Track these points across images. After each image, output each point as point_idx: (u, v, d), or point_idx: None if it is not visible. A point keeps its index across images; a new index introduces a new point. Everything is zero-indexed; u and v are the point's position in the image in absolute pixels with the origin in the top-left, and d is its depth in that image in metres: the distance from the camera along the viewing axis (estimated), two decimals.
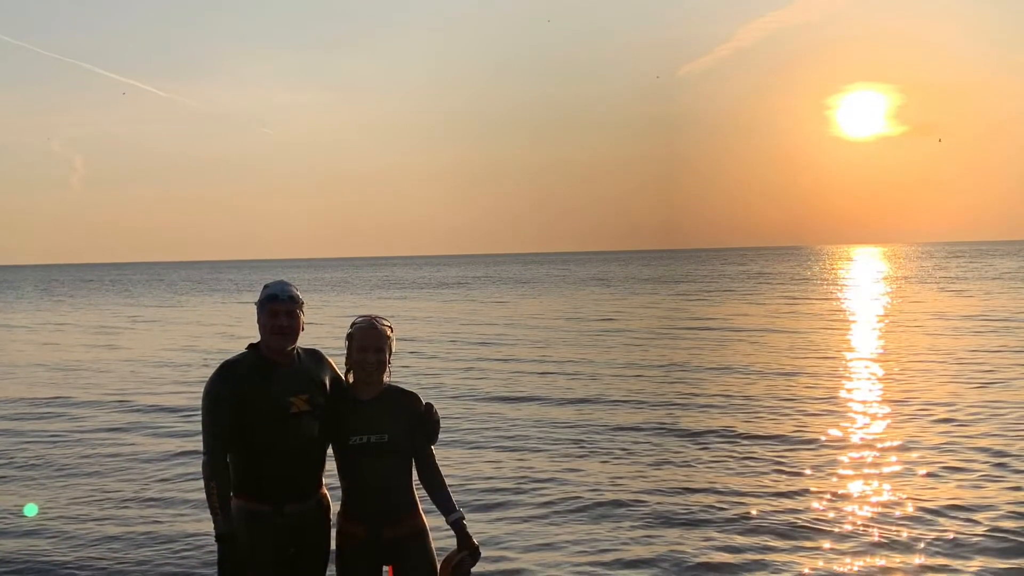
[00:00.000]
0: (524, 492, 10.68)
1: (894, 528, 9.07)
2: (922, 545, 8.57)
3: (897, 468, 11.38)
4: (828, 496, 10.19)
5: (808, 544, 8.70)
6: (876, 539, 8.77)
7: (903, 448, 12.38)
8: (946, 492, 10.29)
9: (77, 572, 8.36)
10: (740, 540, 8.86)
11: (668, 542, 8.85)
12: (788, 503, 10.01)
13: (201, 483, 4.78)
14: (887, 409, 15.30)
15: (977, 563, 8.14)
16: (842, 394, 17.01)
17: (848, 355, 23.04)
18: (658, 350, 24.87)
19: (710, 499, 10.21)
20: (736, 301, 46.18)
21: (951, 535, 8.82)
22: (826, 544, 8.68)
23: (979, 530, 8.95)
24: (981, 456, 11.86)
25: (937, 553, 8.39)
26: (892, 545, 8.61)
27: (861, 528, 9.10)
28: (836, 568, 8.06)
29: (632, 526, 9.39)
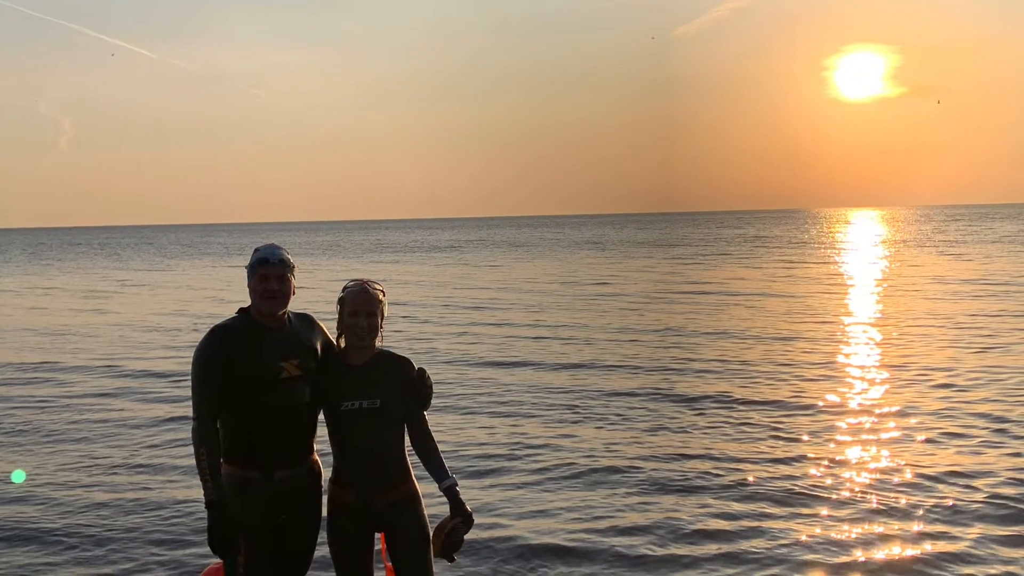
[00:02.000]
0: (518, 458, 10.56)
1: (892, 495, 8.97)
2: (921, 512, 8.47)
3: (895, 434, 11.28)
4: (826, 462, 10.08)
5: (805, 511, 8.60)
6: (874, 506, 8.67)
7: (901, 414, 12.28)
8: (945, 458, 10.19)
9: (65, 539, 8.23)
10: (736, 507, 8.74)
11: (664, 509, 8.74)
12: (785, 469, 9.90)
13: (191, 449, 4.69)
14: (885, 374, 15.20)
15: (976, 530, 8.04)
16: (840, 359, 16.91)
17: (846, 320, 22.96)
18: (653, 314, 24.76)
19: (706, 465, 10.10)
20: (732, 265, 46.11)
21: (950, 502, 8.73)
22: (824, 511, 8.57)
23: (978, 496, 8.85)
24: (980, 422, 11.77)
25: (936, 520, 8.29)
26: (890, 512, 8.51)
27: (859, 495, 9.00)
28: (834, 535, 7.96)
29: (627, 493, 9.28)
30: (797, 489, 9.19)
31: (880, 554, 7.57)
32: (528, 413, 12.95)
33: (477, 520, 5.10)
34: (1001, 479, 9.36)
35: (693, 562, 7.52)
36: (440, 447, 4.88)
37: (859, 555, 7.54)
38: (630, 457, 10.48)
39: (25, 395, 14.98)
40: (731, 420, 12.18)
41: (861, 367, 16.06)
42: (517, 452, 10.81)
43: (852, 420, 12.02)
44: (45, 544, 8.15)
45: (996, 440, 10.89)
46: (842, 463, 10.09)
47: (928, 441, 10.89)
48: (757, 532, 8.09)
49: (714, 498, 9.02)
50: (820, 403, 13.03)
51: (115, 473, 10.32)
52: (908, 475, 9.55)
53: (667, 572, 7.36)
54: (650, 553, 7.71)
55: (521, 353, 18.34)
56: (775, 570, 7.31)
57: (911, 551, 7.61)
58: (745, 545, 7.81)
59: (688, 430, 11.76)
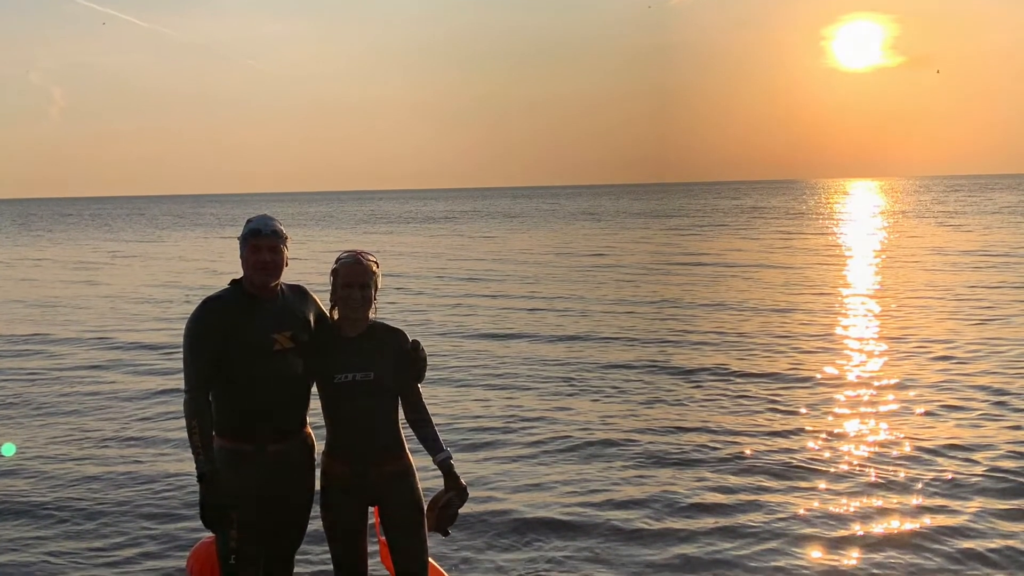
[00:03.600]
0: (513, 432, 10.46)
1: (891, 468, 8.88)
2: (920, 485, 8.39)
3: (894, 407, 11.19)
4: (823, 435, 10.00)
5: (803, 484, 8.51)
6: (873, 479, 8.59)
7: (900, 386, 12.19)
8: (944, 431, 10.11)
9: (56, 512, 8.14)
10: (734, 480, 8.66)
11: (660, 482, 8.65)
12: (783, 442, 9.81)
13: (183, 422, 4.64)
14: (884, 346, 15.11)
15: (976, 503, 7.97)
16: (838, 331, 16.81)
17: (844, 291, 22.86)
18: (650, 286, 24.65)
19: (703, 439, 10.01)
20: (729, 236, 45.98)
21: (949, 475, 8.65)
22: (822, 484, 8.49)
23: (978, 470, 8.77)
24: (980, 395, 11.68)
25: (935, 494, 8.21)
26: (889, 485, 8.43)
27: (857, 468, 8.92)
28: (832, 509, 7.88)
29: (623, 466, 9.19)
30: (795, 462, 9.11)
31: (879, 528, 7.49)
32: (523, 386, 12.84)
33: (471, 493, 5.03)
34: (1001, 452, 9.28)
35: (690, 536, 7.43)
36: (434, 420, 4.81)
37: (858, 529, 7.46)
38: (626, 430, 10.39)
39: (15, 367, 14.86)
40: (728, 393, 12.08)
41: (859, 339, 15.97)
42: (512, 425, 10.72)
43: (850, 393, 11.93)
44: (35, 518, 8.05)
45: (996, 413, 10.80)
46: (840, 436, 10.00)
47: (927, 414, 10.80)
48: (754, 506, 8.01)
49: (711, 471, 8.94)
50: (818, 375, 12.94)
51: (106, 446, 10.21)
52: (907, 448, 9.47)
53: (664, 546, 7.26)
54: (646, 527, 7.62)
55: (517, 325, 18.23)
56: (773, 544, 7.22)
57: (910, 525, 7.52)
58: (742, 519, 7.72)
59: (685, 403, 11.66)
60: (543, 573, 6.89)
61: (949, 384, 12.27)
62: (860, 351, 14.85)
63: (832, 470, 8.87)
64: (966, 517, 7.67)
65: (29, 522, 7.97)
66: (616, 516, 7.84)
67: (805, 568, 6.89)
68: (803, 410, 11.10)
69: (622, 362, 14.26)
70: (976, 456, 9.16)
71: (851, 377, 12.91)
